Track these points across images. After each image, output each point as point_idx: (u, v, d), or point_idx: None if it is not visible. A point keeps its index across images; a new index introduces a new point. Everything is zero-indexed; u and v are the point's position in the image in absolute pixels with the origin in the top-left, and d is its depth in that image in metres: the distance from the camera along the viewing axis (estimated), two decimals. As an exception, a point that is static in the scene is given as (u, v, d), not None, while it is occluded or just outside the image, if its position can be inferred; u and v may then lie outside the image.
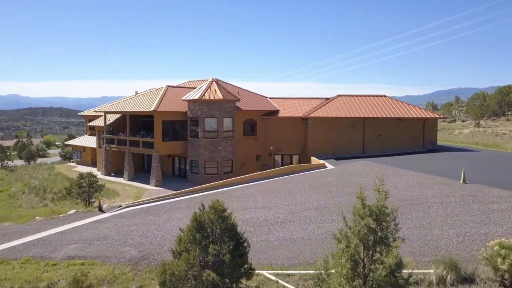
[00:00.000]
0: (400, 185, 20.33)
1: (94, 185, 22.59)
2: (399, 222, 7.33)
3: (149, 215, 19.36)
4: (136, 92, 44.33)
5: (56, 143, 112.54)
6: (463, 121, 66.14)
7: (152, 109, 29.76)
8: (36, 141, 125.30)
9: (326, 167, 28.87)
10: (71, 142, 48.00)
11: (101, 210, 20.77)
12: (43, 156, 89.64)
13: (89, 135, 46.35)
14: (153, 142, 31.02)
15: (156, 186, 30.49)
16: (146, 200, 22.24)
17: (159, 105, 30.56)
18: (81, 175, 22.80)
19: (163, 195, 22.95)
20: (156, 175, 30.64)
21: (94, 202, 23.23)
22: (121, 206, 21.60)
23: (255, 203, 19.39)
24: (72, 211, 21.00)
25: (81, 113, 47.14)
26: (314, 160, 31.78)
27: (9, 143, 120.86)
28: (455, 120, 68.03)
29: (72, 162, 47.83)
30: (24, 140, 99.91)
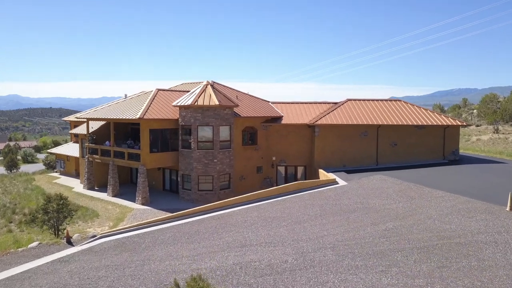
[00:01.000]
0: (432, 213, 16.95)
1: (64, 210, 19.14)
2: None
3: (125, 251, 15.96)
4: (126, 95, 41.03)
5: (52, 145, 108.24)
6: (477, 125, 62.75)
7: (137, 116, 26.34)
8: (26, 143, 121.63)
9: (338, 183, 25.51)
10: (54, 150, 44.58)
11: (69, 242, 17.37)
12: (32, 161, 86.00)
13: (73, 142, 43.00)
14: (139, 154, 27.60)
15: (142, 204, 27.09)
16: (126, 228, 18.83)
17: (146, 112, 27.16)
18: (49, 198, 19.37)
19: (146, 221, 19.54)
20: (142, 192, 27.21)
21: (65, 229, 19.81)
22: (94, 236, 18.19)
23: (256, 236, 15.99)
24: (35, 244, 17.61)
25: (65, 118, 43.72)
26: (323, 174, 28.40)
27: (1, 145, 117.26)
28: (469, 125, 64.50)
29: (55, 171, 44.46)
30: (12, 143, 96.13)
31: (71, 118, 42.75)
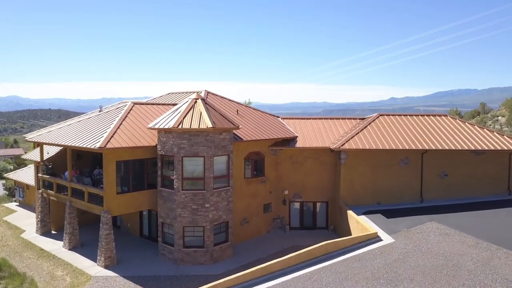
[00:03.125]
0: None
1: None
2: None
3: None
4: (101, 107, 33.99)
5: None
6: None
7: (97, 146, 19.21)
8: (9, 152, 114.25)
9: (381, 240, 18.56)
10: (12, 175, 37.54)
11: None
12: (5, 177, 78.66)
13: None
14: (102, 196, 20.47)
15: (105, 267, 19.98)
16: None
17: (111, 137, 20.07)
18: None
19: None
20: (106, 249, 20.07)
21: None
22: None
23: None
24: None
25: (27, 138, 36.31)
26: (356, 222, 21.37)
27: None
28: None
29: (14, 200, 37.43)
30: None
31: (33, 134, 35.54)
